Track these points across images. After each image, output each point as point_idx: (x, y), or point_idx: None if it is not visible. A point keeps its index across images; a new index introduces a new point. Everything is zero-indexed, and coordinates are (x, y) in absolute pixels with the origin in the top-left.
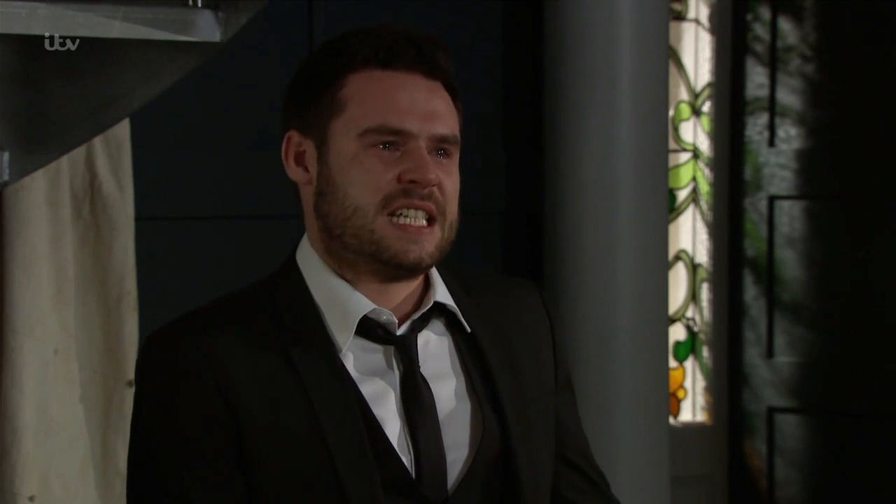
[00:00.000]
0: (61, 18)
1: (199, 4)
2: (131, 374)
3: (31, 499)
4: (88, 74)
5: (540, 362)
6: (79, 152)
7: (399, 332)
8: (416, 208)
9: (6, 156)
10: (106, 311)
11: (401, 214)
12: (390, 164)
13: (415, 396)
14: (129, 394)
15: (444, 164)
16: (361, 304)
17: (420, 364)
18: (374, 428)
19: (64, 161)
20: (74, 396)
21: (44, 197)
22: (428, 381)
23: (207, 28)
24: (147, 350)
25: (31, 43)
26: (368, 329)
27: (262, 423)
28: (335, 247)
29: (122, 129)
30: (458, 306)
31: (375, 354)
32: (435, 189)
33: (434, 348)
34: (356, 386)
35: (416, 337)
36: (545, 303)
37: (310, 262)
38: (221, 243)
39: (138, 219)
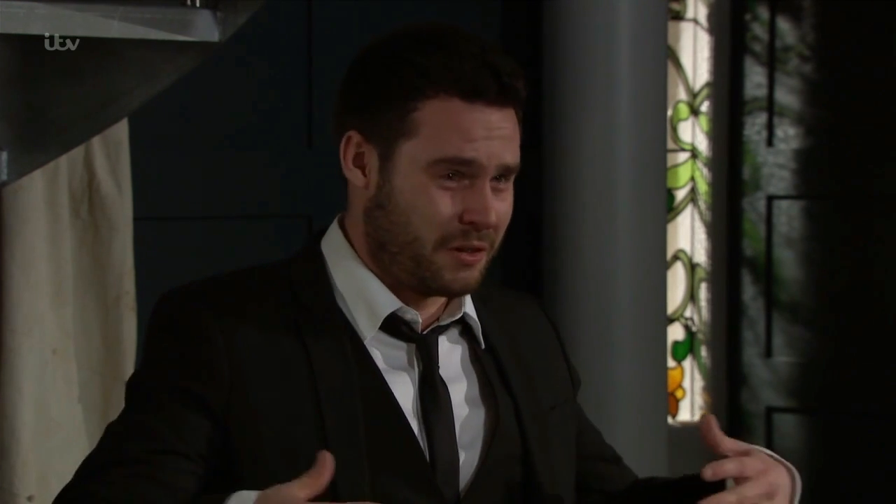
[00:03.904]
0: (59, 18)
1: (198, 4)
2: (130, 374)
3: (30, 499)
4: (87, 74)
5: (553, 372)
6: (77, 152)
7: (422, 332)
8: (473, 248)
9: (4, 155)
10: (104, 311)
11: (458, 249)
12: (454, 199)
13: (432, 396)
14: None
15: (502, 190)
16: (390, 300)
17: (439, 366)
18: (398, 418)
19: (62, 161)
20: (73, 396)
21: (42, 197)
22: (446, 382)
23: (206, 28)
24: (163, 305)
25: (29, 43)
26: (392, 325)
27: (261, 395)
28: (383, 257)
29: (121, 129)
30: (478, 319)
31: (397, 351)
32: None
33: (451, 353)
34: (380, 374)
35: (437, 338)
36: (546, 314)
37: (339, 251)
38: (220, 243)
39: (137, 219)
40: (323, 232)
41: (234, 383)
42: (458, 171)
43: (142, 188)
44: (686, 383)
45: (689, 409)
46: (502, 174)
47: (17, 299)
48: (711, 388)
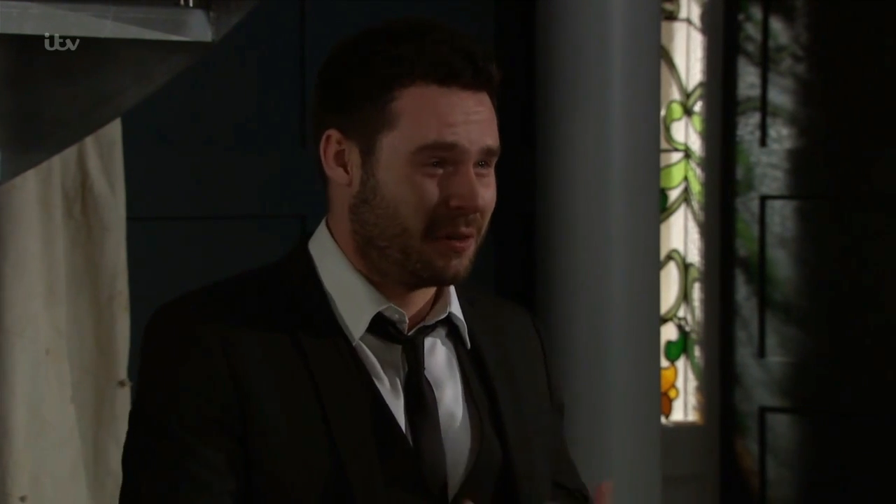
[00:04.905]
0: (53, 18)
1: (191, 4)
2: (123, 374)
3: (23, 499)
4: (81, 74)
5: (536, 382)
6: (70, 152)
7: (409, 333)
8: (461, 236)
9: None
10: (97, 311)
11: (447, 238)
12: (440, 186)
13: (418, 397)
14: (121, 394)
15: (484, 176)
16: (377, 300)
17: (425, 367)
18: (388, 419)
19: (55, 161)
20: (66, 396)
21: (35, 197)
22: (431, 384)
23: (199, 28)
24: (157, 323)
25: (23, 42)
26: (379, 326)
27: (269, 403)
28: (371, 253)
29: (114, 129)
30: (465, 320)
31: (384, 353)
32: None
33: (437, 354)
34: (369, 376)
35: (424, 340)
36: (537, 327)
37: (327, 253)
38: (213, 243)
39: (129, 219)
40: (310, 234)
41: (242, 395)
42: (442, 157)
43: (135, 188)
44: (679, 383)
45: (683, 409)
46: (484, 159)
47: (10, 299)
48: (704, 388)
